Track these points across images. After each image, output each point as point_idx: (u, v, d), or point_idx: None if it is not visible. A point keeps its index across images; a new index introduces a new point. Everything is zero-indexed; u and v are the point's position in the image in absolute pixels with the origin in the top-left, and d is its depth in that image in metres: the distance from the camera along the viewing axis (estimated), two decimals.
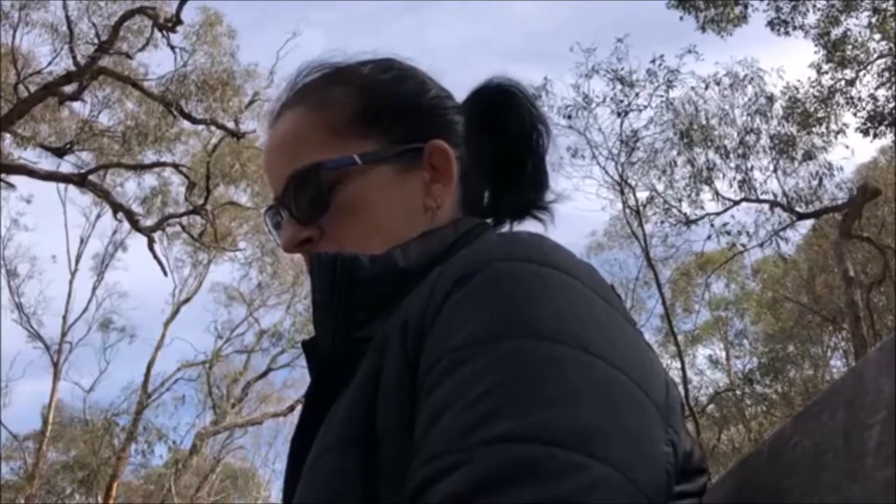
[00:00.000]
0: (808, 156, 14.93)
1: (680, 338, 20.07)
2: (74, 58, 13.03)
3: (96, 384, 22.02)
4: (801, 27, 13.89)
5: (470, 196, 0.90)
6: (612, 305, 0.68)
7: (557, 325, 0.61)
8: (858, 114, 14.10)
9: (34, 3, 14.33)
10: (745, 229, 15.23)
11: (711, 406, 21.32)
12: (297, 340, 21.70)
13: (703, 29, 13.93)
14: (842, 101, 14.37)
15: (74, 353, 21.72)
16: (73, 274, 21.30)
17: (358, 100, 0.88)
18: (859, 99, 14.16)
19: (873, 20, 13.67)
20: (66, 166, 15.05)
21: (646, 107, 15.26)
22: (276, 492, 26.28)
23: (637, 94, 15.11)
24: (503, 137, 0.93)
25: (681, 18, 13.88)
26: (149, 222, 16.42)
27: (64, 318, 21.19)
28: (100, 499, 20.36)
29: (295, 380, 23.36)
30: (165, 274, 16.97)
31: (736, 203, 15.38)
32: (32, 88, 13.19)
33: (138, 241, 17.26)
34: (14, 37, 14.16)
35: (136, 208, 16.97)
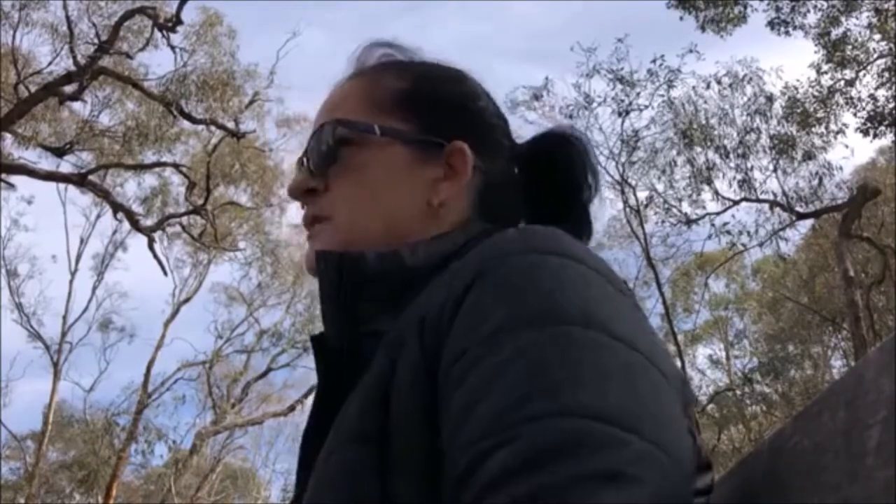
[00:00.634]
0: (808, 156, 14.93)
1: (680, 337, 20.07)
2: (74, 58, 13.03)
3: (96, 384, 22.04)
4: (801, 27, 13.89)
5: (495, 212, 0.90)
6: (626, 296, 0.69)
7: (582, 311, 0.63)
8: (858, 114, 14.10)
9: (34, 3, 14.33)
10: (746, 229, 15.25)
11: (711, 406, 21.30)
12: (298, 340, 21.70)
13: (703, 29, 13.94)
14: (841, 101, 14.37)
15: (74, 353, 21.74)
16: (73, 274, 21.31)
17: (405, 84, 0.91)
18: (859, 99, 14.16)
19: (873, 20, 13.67)
20: (66, 166, 15.06)
21: (647, 106, 15.29)
22: (276, 492, 26.29)
23: (638, 94, 15.13)
24: (552, 178, 0.95)
25: (681, 18, 13.89)
26: (149, 222, 16.42)
27: (64, 318, 21.20)
28: (100, 499, 20.35)
29: (295, 380, 23.38)
30: (165, 274, 16.98)
31: (736, 203, 15.39)
32: (32, 88, 13.19)
33: (138, 241, 17.27)
34: (14, 37, 14.17)
35: (136, 208, 16.98)
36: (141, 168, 16.54)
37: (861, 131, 13.92)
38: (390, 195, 0.85)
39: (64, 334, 21.07)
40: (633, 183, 15.93)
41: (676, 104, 15.33)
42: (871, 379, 0.48)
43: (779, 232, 15.45)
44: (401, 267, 0.80)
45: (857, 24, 13.93)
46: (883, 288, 16.57)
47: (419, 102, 0.90)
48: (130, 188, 18.13)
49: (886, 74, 13.89)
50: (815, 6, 13.74)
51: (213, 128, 15.03)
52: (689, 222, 15.82)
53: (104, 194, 15.40)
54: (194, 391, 22.66)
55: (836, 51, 13.97)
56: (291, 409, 22.12)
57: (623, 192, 15.73)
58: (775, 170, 15.22)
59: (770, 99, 15.14)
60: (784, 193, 15.13)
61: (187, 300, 21.60)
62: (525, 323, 0.62)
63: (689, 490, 0.59)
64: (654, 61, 15.02)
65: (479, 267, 0.68)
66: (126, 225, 16.89)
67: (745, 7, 13.87)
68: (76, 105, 14.90)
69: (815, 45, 14.11)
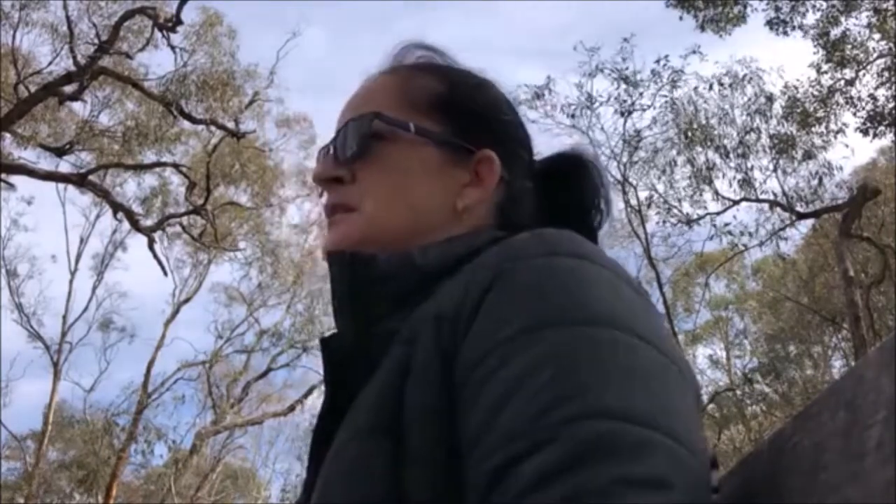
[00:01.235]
0: (808, 155, 14.93)
1: (680, 337, 20.09)
2: (74, 58, 13.03)
3: (96, 384, 22.02)
4: (800, 27, 13.89)
5: (511, 223, 0.91)
6: (642, 297, 0.71)
7: (607, 313, 0.64)
8: (858, 113, 14.10)
9: (34, 3, 14.33)
10: (747, 230, 15.25)
11: (711, 406, 21.29)
12: (297, 340, 21.71)
13: (703, 28, 13.93)
14: (841, 100, 14.36)
15: (74, 353, 21.72)
16: (73, 274, 21.31)
17: (442, 87, 0.92)
18: (859, 99, 14.16)
19: (873, 20, 13.67)
20: (66, 166, 15.06)
21: (649, 107, 15.29)
22: (276, 492, 26.29)
23: (641, 94, 15.14)
24: (564, 198, 0.96)
25: (680, 18, 13.88)
26: (149, 222, 16.42)
27: (64, 318, 21.20)
28: (100, 499, 20.35)
29: (295, 380, 23.38)
30: (165, 274, 16.97)
31: (736, 203, 15.39)
32: (32, 88, 13.18)
33: (138, 241, 17.27)
34: (14, 37, 14.17)
35: (136, 208, 16.97)
36: (141, 168, 16.54)
37: (861, 131, 13.93)
38: (419, 194, 0.87)
39: (64, 334, 21.07)
40: (634, 182, 15.94)
41: (678, 104, 15.34)
42: (871, 379, 0.48)
43: (779, 232, 15.46)
44: (411, 268, 0.81)
45: (856, 23, 13.94)
46: (883, 288, 16.56)
47: (453, 107, 0.91)
48: (130, 188, 18.14)
49: (886, 74, 13.89)
50: (815, 6, 13.74)
51: (213, 128, 15.03)
52: (690, 222, 15.83)
53: (104, 194, 15.40)
54: (194, 391, 22.67)
55: (835, 50, 13.97)
56: (291, 409, 22.12)
57: (624, 192, 15.74)
58: (775, 170, 15.23)
59: (770, 99, 15.14)
60: (784, 193, 15.14)
61: (187, 300, 21.60)
62: (552, 323, 0.63)
63: (710, 489, 0.60)
64: (657, 61, 15.04)
65: (498, 268, 0.69)
66: (126, 225, 16.90)
67: (745, 7, 13.86)
68: (76, 105, 14.91)
69: (815, 45, 14.12)
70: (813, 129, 14.75)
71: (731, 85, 15.31)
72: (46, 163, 14.61)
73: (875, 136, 13.88)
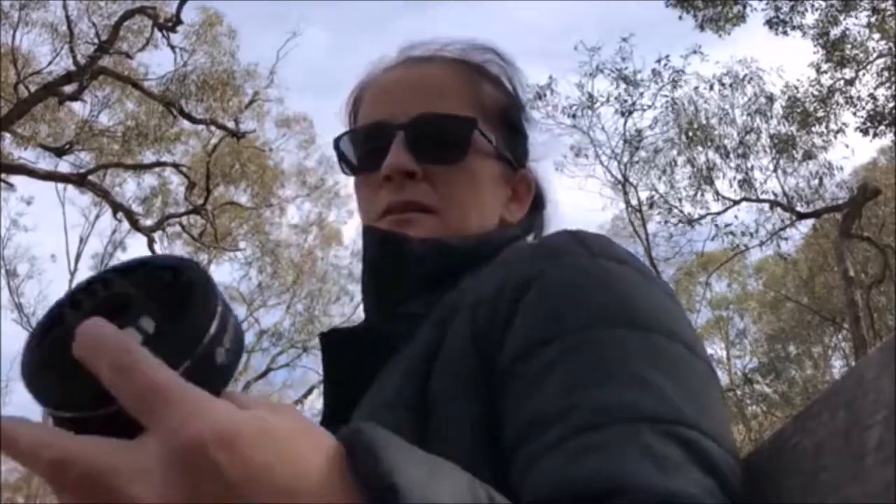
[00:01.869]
0: (808, 155, 14.93)
1: None
2: (74, 58, 13.03)
3: None
4: (800, 27, 13.88)
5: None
6: (674, 299, 0.72)
7: (661, 321, 0.65)
8: (858, 113, 14.10)
9: (34, 3, 14.32)
10: (748, 230, 15.25)
11: None
12: (297, 340, 21.70)
13: (702, 28, 13.92)
14: (841, 100, 14.36)
15: None
16: (72, 274, 21.30)
17: (507, 100, 0.96)
18: (859, 98, 14.15)
19: (872, 20, 13.66)
20: (66, 166, 15.05)
21: (650, 106, 15.29)
22: None
23: (641, 94, 15.14)
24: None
25: (680, 18, 13.87)
26: (149, 222, 16.42)
27: None
28: None
29: (295, 380, 23.38)
30: None
31: (736, 203, 15.39)
32: (32, 88, 13.18)
33: (138, 241, 17.26)
34: (14, 37, 14.16)
35: (136, 208, 16.96)
36: (140, 168, 16.53)
37: (861, 131, 13.92)
38: (487, 205, 0.90)
39: None
40: (635, 182, 15.94)
41: (678, 104, 15.34)
42: (871, 379, 0.48)
43: (779, 232, 15.46)
44: (443, 253, 0.83)
45: (856, 23, 13.94)
46: (883, 288, 16.56)
47: (511, 122, 0.95)
48: (130, 188, 18.13)
49: (886, 74, 13.88)
50: (814, 5, 13.73)
51: (213, 128, 15.03)
52: (691, 222, 15.83)
53: (104, 194, 15.40)
54: None
55: (835, 50, 13.97)
56: None
57: (625, 192, 15.74)
58: (775, 169, 15.23)
59: (770, 99, 15.14)
60: (784, 193, 15.14)
61: None
62: (613, 322, 0.63)
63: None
64: (658, 61, 15.04)
65: (540, 263, 0.70)
66: (126, 225, 16.90)
67: (744, 6, 13.86)
68: (76, 105, 14.91)
69: (815, 45, 14.12)
70: (813, 128, 14.75)
71: (731, 85, 15.32)
72: (46, 163, 14.62)
73: (875, 135, 13.88)
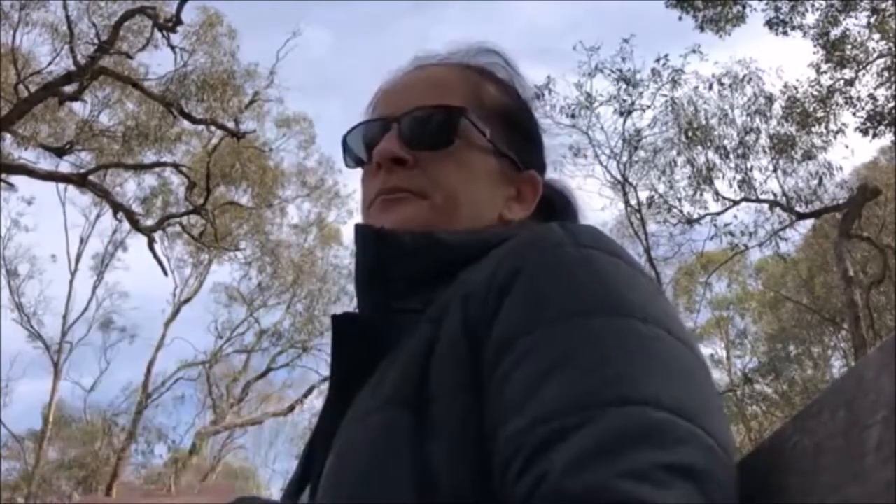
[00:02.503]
0: (808, 155, 14.92)
1: None
2: (74, 58, 13.02)
3: (96, 384, 22.03)
4: (800, 27, 13.88)
5: None
6: (662, 294, 0.72)
7: (643, 307, 0.65)
8: (858, 113, 14.10)
9: (34, 3, 14.32)
10: (748, 230, 15.24)
11: None
12: (297, 340, 21.69)
13: (702, 28, 13.92)
14: (841, 100, 14.36)
15: (74, 352, 21.71)
16: (73, 274, 21.30)
17: (509, 100, 0.97)
18: (858, 99, 14.15)
19: (872, 20, 13.66)
20: (66, 166, 15.05)
21: (649, 106, 15.28)
22: (276, 492, 26.26)
23: (641, 94, 15.13)
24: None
25: (679, 18, 13.87)
26: (149, 222, 16.41)
27: (64, 318, 21.19)
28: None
29: (294, 380, 23.36)
30: (166, 274, 16.96)
31: (736, 203, 15.39)
32: (32, 88, 13.17)
33: (139, 241, 17.25)
34: (14, 37, 14.16)
35: (136, 208, 16.96)
36: (141, 168, 16.53)
37: (861, 131, 13.92)
38: (480, 198, 0.90)
39: (64, 334, 21.07)
40: (635, 182, 15.94)
41: (677, 104, 15.34)
42: (871, 379, 0.48)
43: (779, 232, 15.46)
44: (435, 249, 0.83)
45: (856, 23, 13.93)
46: (883, 288, 16.55)
47: (515, 123, 0.96)
48: (130, 188, 18.13)
49: (886, 74, 13.88)
50: (814, 6, 13.73)
51: (213, 128, 15.03)
52: (690, 222, 15.82)
53: (104, 194, 15.39)
54: (194, 391, 22.67)
55: (835, 50, 13.96)
56: (291, 409, 22.11)
57: (625, 192, 15.74)
58: (775, 170, 15.22)
59: (770, 99, 15.14)
60: (784, 193, 15.13)
61: (188, 300, 21.58)
62: (592, 311, 0.64)
63: (736, 489, 0.61)
64: (657, 61, 15.03)
65: (528, 252, 0.71)
66: (126, 225, 16.89)
67: (744, 7, 13.86)
68: (76, 105, 14.91)
69: (814, 45, 14.11)
70: (813, 129, 14.74)
71: (730, 85, 15.31)
72: (46, 163, 14.62)
73: (875, 136, 13.88)
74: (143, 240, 15.74)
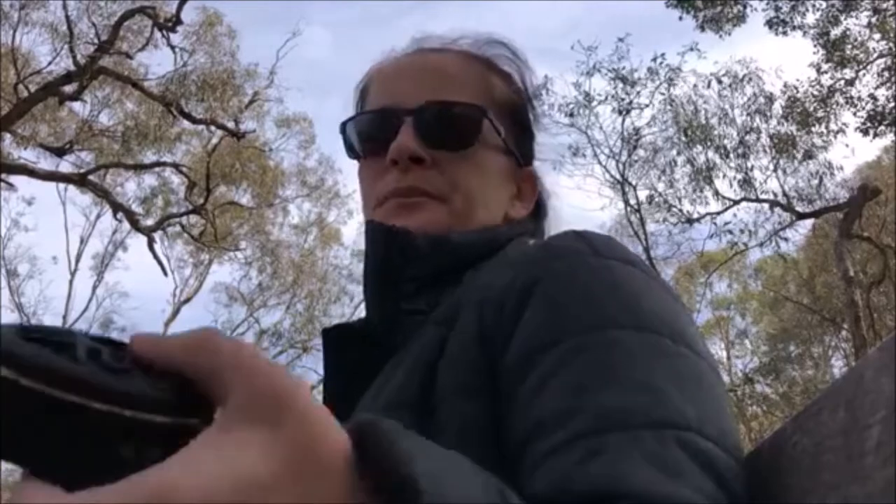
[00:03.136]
0: (808, 155, 14.92)
1: None
2: (74, 58, 13.02)
3: None
4: (800, 27, 13.88)
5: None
6: (679, 303, 0.71)
7: (669, 324, 0.64)
8: (858, 113, 14.10)
9: (34, 3, 14.32)
10: (748, 228, 15.25)
11: None
12: (297, 340, 21.69)
13: (703, 28, 13.93)
14: (841, 100, 14.36)
15: None
16: (73, 274, 21.30)
17: (517, 97, 0.95)
18: (859, 98, 14.15)
19: (873, 20, 13.67)
20: (66, 166, 15.05)
21: (647, 105, 15.28)
22: None
23: (639, 93, 15.13)
24: None
25: (680, 18, 13.87)
26: (149, 222, 16.41)
27: (64, 318, 21.17)
28: None
29: None
30: (165, 274, 16.97)
31: (736, 203, 15.39)
32: (32, 88, 13.17)
33: (139, 241, 17.26)
34: (14, 37, 14.16)
35: (136, 208, 16.96)
36: (141, 168, 16.53)
37: (861, 131, 13.92)
38: (494, 198, 0.90)
39: None
40: (634, 182, 15.94)
41: (676, 103, 15.34)
42: (871, 379, 0.48)
43: (779, 232, 15.46)
44: (446, 249, 0.82)
45: (856, 23, 13.94)
46: (883, 288, 16.55)
47: (519, 118, 0.94)
48: (130, 188, 18.13)
49: (886, 74, 13.88)
50: (814, 6, 13.73)
51: (213, 128, 15.03)
52: (690, 221, 15.82)
53: (104, 194, 15.40)
54: None
55: (835, 50, 13.96)
56: None
57: (624, 192, 15.73)
58: (775, 169, 15.22)
59: (770, 98, 15.14)
60: (784, 193, 15.13)
61: (188, 300, 21.60)
62: (618, 324, 0.63)
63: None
64: (654, 59, 15.04)
65: (547, 261, 0.69)
66: (126, 225, 16.89)
67: (745, 7, 13.86)
68: (76, 105, 14.91)
69: (815, 45, 14.11)
70: (813, 128, 14.75)
71: (730, 85, 15.31)
72: (46, 163, 14.62)
73: (875, 135, 13.88)
74: (143, 240, 15.76)
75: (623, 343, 0.61)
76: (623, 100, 15.08)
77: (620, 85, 14.96)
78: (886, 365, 0.46)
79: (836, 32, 13.98)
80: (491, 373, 0.65)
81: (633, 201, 15.90)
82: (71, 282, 21.32)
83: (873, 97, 13.97)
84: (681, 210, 15.77)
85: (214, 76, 14.71)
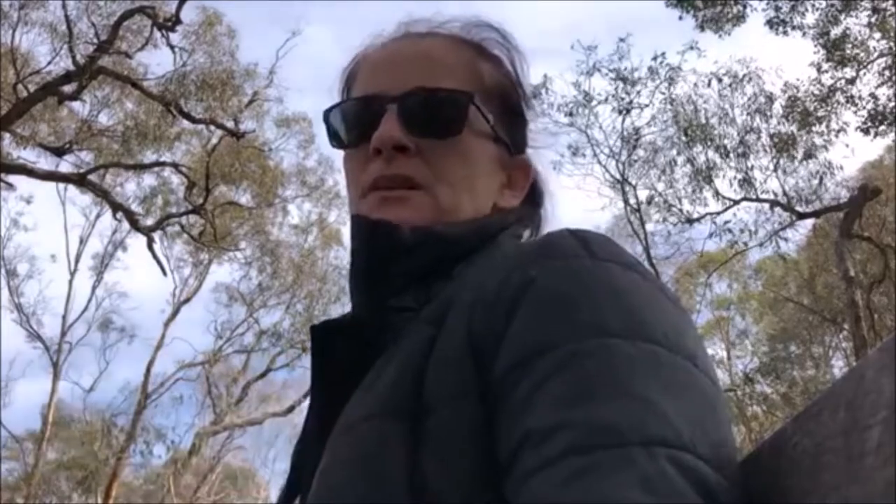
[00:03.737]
0: (809, 155, 14.93)
1: None
2: (74, 57, 13.03)
3: (96, 384, 22.05)
4: (800, 27, 13.89)
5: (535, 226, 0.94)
6: (678, 307, 0.68)
7: (669, 335, 0.62)
8: (859, 113, 14.10)
9: (34, 3, 14.33)
10: (748, 228, 15.25)
11: None
12: (297, 341, 21.69)
13: (703, 28, 13.94)
14: (842, 99, 14.37)
15: (74, 353, 21.75)
16: (72, 274, 21.32)
17: (507, 82, 0.92)
18: (859, 98, 14.16)
19: (873, 19, 13.67)
20: (66, 166, 15.06)
21: (647, 105, 15.30)
22: (275, 492, 26.24)
23: (639, 92, 15.14)
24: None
25: (680, 18, 13.88)
26: (149, 222, 16.42)
27: (64, 318, 21.21)
28: (99, 499, 20.36)
29: (294, 380, 23.37)
30: (165, 274, 16.98)
31: (736, 202, 15.40)
32: (32, 88, 13.18)
33: (138, 241, 17.27)
34: (14, 36, 14.17)
35: (136, 208, 16.98)
36: (140, 168, 16.55)
37: (862, 130, 13.94)
38: (481, 187, 0.86)
39: (63, 334, 21.09)
40: (634, 182, 15.95)
41: (676, 102, 15.35)
42: (871, 379, 0.47)
43: (779, 232, 15.47)
44: (434, 243, 0.79)
45: (856, 22, 13.94)
46: (883, 288, 16.56)
47: (510, 104, 0.91)
48: (130, 188, 18.15)
49: (887, 73, 13.89)
50: (814, 5, 13.73)
51: (212, 127, 15.04)
52: (690, 221, 15.83)
53: (104, 194, 15.41)
54: (193, 391, 22.69)
55: (836, 50, 13.97)
56: (291, 409, 22.12)
57: (624, 191, 15.74)
58: (776, 169, 15.23)
59: (770, 98, 15.15)
60: (784, 193, 15.14)
61: (187, 300, 21.61)
62: (615, 333, 0.60)
63: None
64: (654, 58, 15.05)
65: (541, 262, 0.67)
66: (126, 225, 16.91)
67: (744, 6, 13.87)
68: (75, 105, 14.91)
69: (815, 45, 14.12)
70: (813, 128, 14.75)
71: (730, 84, 15.32)
72: (46, 162, 14.62)
73: (876, 135, 13.90)
74: (143, 240, 15.77)
75: (619, 352, 0.59)
76: (623, 99, 15.11)
77: (620, 84, 14.99)
78: (887, 365, 0.46)
79: (836, 32, 13.99)
80: (480, 379, 0.63)
81: (632, 201, 15.92)
82: (70, 282, 21.36)
83: (874, 96, 13.99)
84: (681, 210, 15.80)
85: (214, 76, 14.71)
